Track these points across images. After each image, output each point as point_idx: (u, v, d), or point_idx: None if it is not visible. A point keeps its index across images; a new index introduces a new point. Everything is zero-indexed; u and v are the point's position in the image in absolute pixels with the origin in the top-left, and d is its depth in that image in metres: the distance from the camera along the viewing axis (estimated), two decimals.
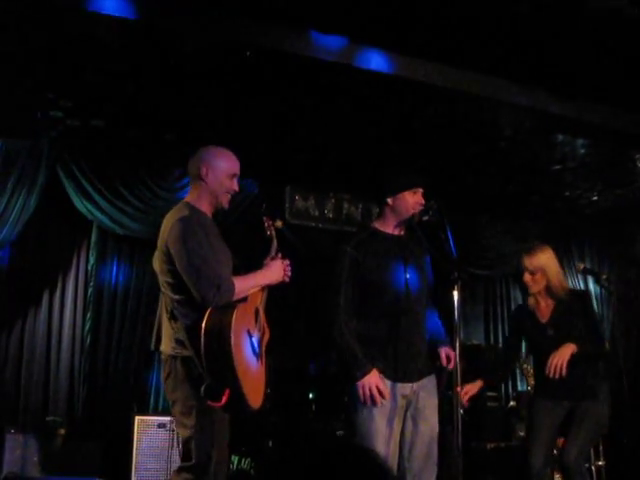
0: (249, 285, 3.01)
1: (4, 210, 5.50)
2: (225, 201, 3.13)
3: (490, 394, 6.28)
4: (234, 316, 2.78)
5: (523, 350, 5.01)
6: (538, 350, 4.03)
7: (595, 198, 7.37)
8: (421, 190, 3.48)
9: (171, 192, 6.07)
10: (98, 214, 5.89)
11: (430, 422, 3.35)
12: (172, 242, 2.86)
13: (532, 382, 5.49)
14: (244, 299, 2.94)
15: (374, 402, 3.20)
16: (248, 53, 4.41)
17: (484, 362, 6.41)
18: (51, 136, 5.68)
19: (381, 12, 4.31)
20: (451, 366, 3.36)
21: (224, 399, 2.74)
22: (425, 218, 3.46)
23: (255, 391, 2.96)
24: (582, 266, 6.36)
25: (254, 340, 2.99)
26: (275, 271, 3.15)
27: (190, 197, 3.12)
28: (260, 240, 3.38)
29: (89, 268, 6.05)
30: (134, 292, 6.13)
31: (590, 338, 3.85)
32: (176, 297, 2.89)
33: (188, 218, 2.91)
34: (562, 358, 3.67)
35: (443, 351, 3.40)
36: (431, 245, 3.62)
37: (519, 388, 7.47)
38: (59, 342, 5.89)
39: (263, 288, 3.15)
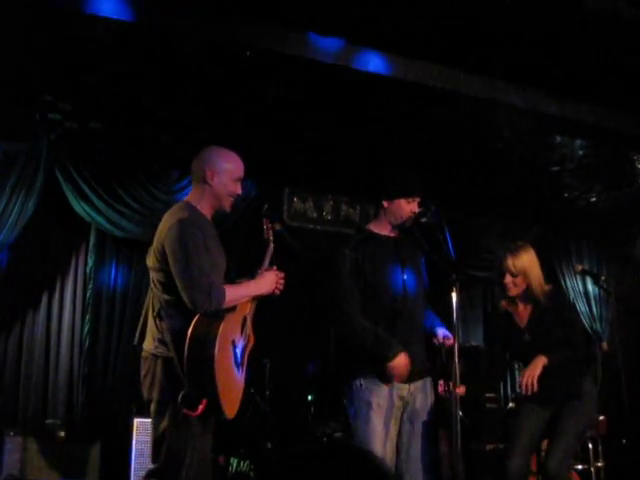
0: (240, 295, 3.00)
1: (2, 213, 5.49)
2: (228, 205, 3.11)
3: (489, 396, 6.27)
4: (220, 328, 2.77)
5: None
6: (515, 354, 3.99)
7: (593, 199, 7.37)
8: (418, 199, 3.47)
9: (169, 194, 6.06)
10: (96, 216, 5.89)
11: (427, 423, 3.36)
12: (169, 243, 2.85)
13: None
14: (233, 308, 2.93)
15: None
16: (248, 53, 4.41)
17: (483, 364, 6.41)
18: (49, 138, 5.68)
19: (379, 14, 4.31)
20: (449, 343, 3.36)
21: (200, 409, 2.72)
22: (423, 220, 3.47)
23: (232, 400, 2.94)
24: (581, 267, 6.35)
25: (237, 350, 2.97)
26: (267, 283, 3.12)
27: (192, 197, 3.10)
28: (258, 242, 3.38)
29: (88, 270, 6.04)
30: (133, 294, 6.12)
31: (567, 344, 3.77)
32: (166, 297, 2.88)
33: (187, 220, 2.89)
34: (532, 374, 3.60)
35: (440, 330, 3.41)
36: (429, 247, 3.63)
37: (518, 390, 7.47)
38: (58, 344, 5.89)
39: (254, 298, 3.13)
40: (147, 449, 5.27)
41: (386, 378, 3.25)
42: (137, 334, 3.04)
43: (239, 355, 2.99)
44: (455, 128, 5.66)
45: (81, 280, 6.06)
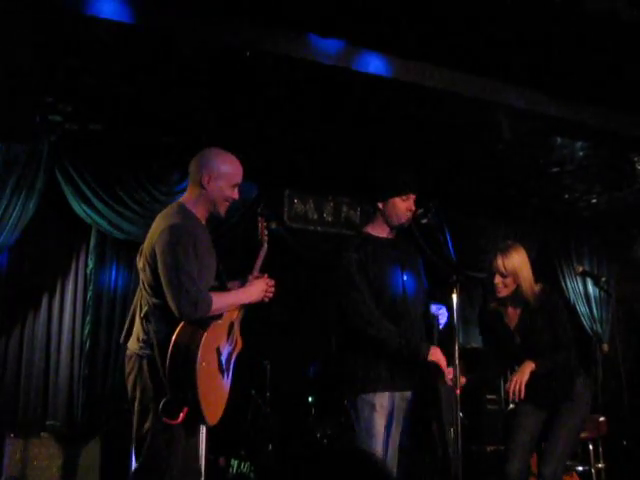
0: (227, 303, 2.98)
1: (3, 215, 5.48)
2: (223, 209, 3.07)
3: (489, 397, 6.27)
4: (204, 338, 2.77)
5: None
6: (505, 355, 3.93)
7: (594, 201, 7.37)
8: (413, 196, 3.46)
9: (170, 196, 6.05)
10: (97, 218, 5.88)
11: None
12: (159, 248, 2.83)
13: None
14: (220, 315, 2.92)
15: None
16: (247, 53, 4.41)
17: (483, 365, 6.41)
18: (50, 140, 5.68)
19: (379, 15, 4.31)
20: (442, 320, 3.36)
21: (181, 417, 2.72)
22: (424, 221, 3.47)
23: (215, 408, 2.94)
24: (581, 268, 6.36)
25: (222, 358, 2.96)
26: (256, 291, 3.11)
27: (187, 198, 3.06)
28: (257, 242, 3.37)
29: (88, 272, 6.03)
30: (133, 296, 6.07)
31: (557, 348, 3.73)
32: (154, 300, 2.87)
33: (179, 226, 2.85)
34: (519, 380, 3.57)
35: (433, 306, 3.42)
36: (430, 248, 3.63)
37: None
38: (58, 346, 5.88)
39: (242, 305, 3.12)
40: None
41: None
42: (124, 333, 3.04)
43: (224, 362, 2.98)
44: (455, 129, 5.66)
45: (81, 282, 6.05)
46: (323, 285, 6.56)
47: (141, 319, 2.91)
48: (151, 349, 2.82)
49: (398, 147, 5.94)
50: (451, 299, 3.25)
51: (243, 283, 3.15)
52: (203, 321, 2.81)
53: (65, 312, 5.96)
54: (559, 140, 5.91)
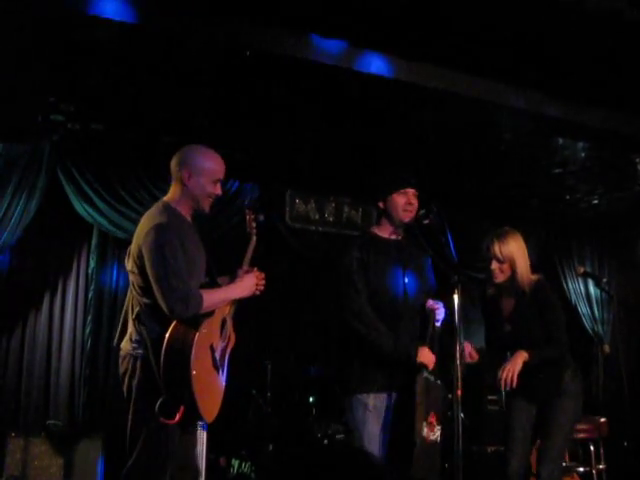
0: (218, 299, 2.97)
1: (4, 214, 5.49)
2: (206, 205, 3.06)
3: (490, 398, 6.27)
4: (197, 336, 2.77)
5: None
6: (493, 342, 3.92)
7: (596, 201, 7.37)
8: (411, 191, 3.46)
9: None
10: (98, 218, 5.89)
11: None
12: (146, 249, 2.83)
13: None
14: (211, 312, 2.92)
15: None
16: (248, 53, 4.41)
17: (485, 365, 6.41)
18: (52, 140, 5.69)
19: (381, 16, 4.31)
20: (439, 316, 3.35)
21: (178, 417, 2.73)
22: (425, 222, 3.47)
23: (212, 405, 2.95)
24: (582, 269, 6.36)
25: (216, 354, 2.96)
26: (246, 286, 3.09)
27: (170, 197, 3.06)
28: (259, 242, 3.37)
29: (90, 272, 6.04)
30: None
31: (549, 342, 3.71)
32: (145, 300, 2.87)
33: (164, 225, 2.85)
34: (512, 371, 3.55)
35: (429, 301, 3.41)
36: (431, 249, 3.63)
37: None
38: (60, 346, 5.89)
39: (234, 301, 3.11)
40: None
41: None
42: (117, 334, 3.04)
43: (218, 359, 2.98)
44: (457, 130, 5.65)
45: (83, 281, 6.06)
46: (324, 285, 6.57)
47: (133, 320, 2.91)
48: (145, 349, 2.82)
49: (399, 147, 5.95)
50: (452, 299, 3.25)
51: (233, 278, 3.13)
52: (195, 319, 2.80)
53: (66, 311, 5.97)
54: (561, 141, 5.90)
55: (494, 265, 3.76)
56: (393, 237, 3.52)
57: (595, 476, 5.40)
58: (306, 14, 4.30)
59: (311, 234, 6.84)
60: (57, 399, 5.76)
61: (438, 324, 3.37)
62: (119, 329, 3.03)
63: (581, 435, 5.30)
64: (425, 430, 3.22)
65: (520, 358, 3.58)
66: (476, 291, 7.65)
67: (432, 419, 3.29)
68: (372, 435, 3.26)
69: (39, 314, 5.88)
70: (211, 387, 2.94)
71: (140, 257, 2.86)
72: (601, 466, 5.50)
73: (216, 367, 2.97)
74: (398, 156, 6.01)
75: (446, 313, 3.47)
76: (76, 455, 5.20)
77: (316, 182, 6.72)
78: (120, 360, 2.94)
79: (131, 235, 6.05)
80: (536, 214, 7.60)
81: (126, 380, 2.89)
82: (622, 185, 6.91)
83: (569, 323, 8.18)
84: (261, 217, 3.37)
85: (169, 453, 2.83)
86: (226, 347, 3.09)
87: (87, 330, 5.91)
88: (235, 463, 5.45)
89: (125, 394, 2.92)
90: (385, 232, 3.52)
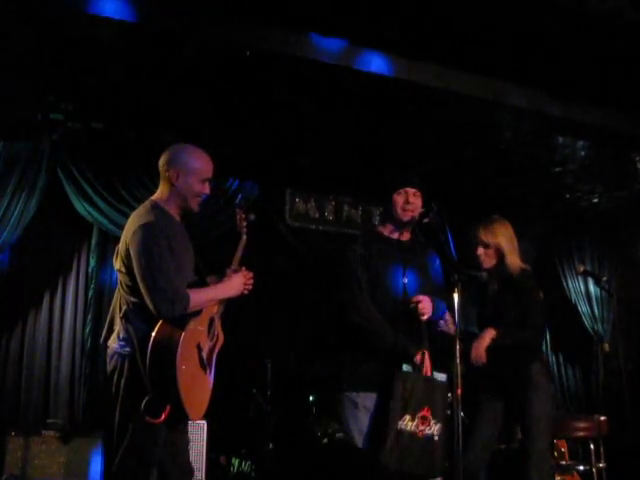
0: (206, 299, 2.96)
1: (4, 213, 5.49)
2: (195, 205, 3.06)
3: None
4: (183, 336, 2.77)
5: None
6: (478, 324, 3.92)
7: (596, 200, 7.37)
8: (411, 190, 3.47)
9: None
10: (98, 216, 5.89)
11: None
12: (133, 248, 2.83)
13: None
14: (199, 311, 2.92)
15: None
16: (248, 52, 4.41)
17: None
18: (51, 139, 5.68)
19: (381, 14, 4.31)
20: (415, 301, 3.34)
21: (163, 416, 2.73)
22: (425, 221, 3.48)
23: (198, 404, 2.94)
24: (582, 268, 6.36)
25: (203, 354, 2.96)
26: (234, 286, 3.08)
27: (158, 196, 3.06)
28: (260, 242, 3.37)
29: (90, 270, 6.04)
30: None
31: (523, 327, 3.72)
32: (132, 299, 2.87)
33: (152, 225, 2.85)
34: (479, 346, 3.61)
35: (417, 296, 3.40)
36: (431, 248, 3.63)
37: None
38: (60, 344, 5.89)
39: (222, 300, 3.11)
40: None
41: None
42: (104, 333, 3.03)
43: (205, 357, 2.98)
44: (457, 129, 5.65)
45: (83, 280, 6.06)
46: (324, 284, 6.57)
47: (121, 318, 2.90)
48: (132, 348, 2.82)
49: (399, 146, 5.94)
50: (452, 299, 3.25)
51: (221, 277, 3.13)
52: (182, 318, 2.80)
53: (66, 310, 5.98)
54: (561, 140, 5.91)
55: (480, 250, 3.84)
56: (396, 236, 3.53)
57: (595, 475, 5.39)
58: (306, 13, 4.30)
59: (311, 233, 6.85)
60: (57, 398, 5.77)
61: (424, 318, 3.36)
62: (105, 328, 3.03)
63: (581, 433, 5.29)
64: (412, 424, 3.22)
65: (488, 335, 3.64)
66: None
67: (425, 413, 3.28)
68: (362, 433, 3.27)
69: (39, 313, 5.88)
70: (198, 386, 2.94)
71: (128, 256, 2.86)
72: (601, 465, 5.49)
73: (203, 366, 2.97)
74: (398, 154, 6.01)
75: (443, 311, 3.49)
76: (76, 454, 5.20)
77: (316, 181, 6.72)
78: (108, 358, 2.94)
79: None
80: (536, 213, 7.60)
81: (114, 378, 2.89)
82: (622, 184, 6.91)
83: (569, 322, 8.22)
84: (252, 216, 3.36)
85: (154, 452, 2.83)
86: (214, 346, 3.08)
87: (87, 329, 5.91)
88: (235, 462, 5.45)
89: (113, 392, 2.92)
90: (388, 231, 3.55)
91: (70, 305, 5.99)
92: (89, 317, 5.93)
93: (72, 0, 4.05)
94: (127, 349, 2.84)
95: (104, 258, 6.10)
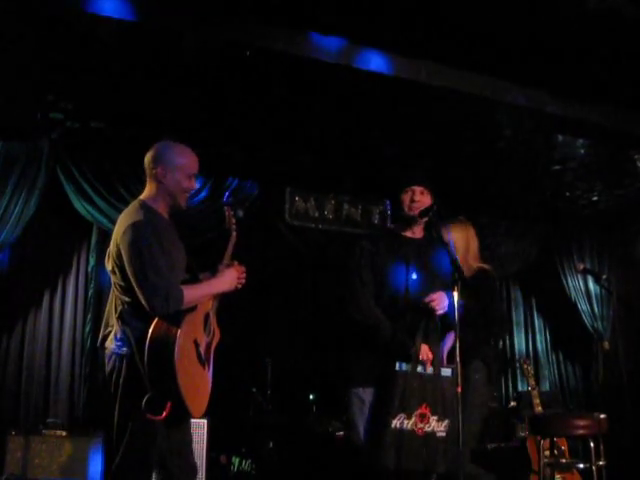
0: (199, 294, 2.97)
1: (4, 212, 5.49)
2: (183, 201, 3.07)
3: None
4: (179, 331, 2.77)
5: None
6: None
7: (595, 198, 7.36)
8: (418, 189, 3.51)
9: None
10: (98, 216, 5.89)
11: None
12: (124, 247, 2.83)
13: (532, 382, 5.48)
14: (194, 307, 2.92)
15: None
16: (247, 52, 4.41)
17: None
18: (51, 138, 5.68)
19: (380, 13, 4.31)
20: (429, 300, 3.35)
21: (165, 413, 2.73)
22: (425, 219, 3.50)
23: (199, 400, 2.95)
24: (582, 266, 6.35)
25: (201, 349, 2.97)
26: (227, 280, 3.09)
27: (146, 195, 3.06)
28: (260, 241, 3.38)
29: (89, 270, 6.05)
30: None
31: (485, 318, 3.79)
32: (126, 299, 2.87)
33: (141, 224, 2.86)
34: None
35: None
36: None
37: (519, 388, 7.48)
38: (59, 344, 5.90)
39: (215, 295, 3.11)
40: None
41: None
42: (100, 335, 3.02)
43: (203, 353, 2.99)
44: (457, 127, 5.65)
45: (83, 279, 6.06)
46: (325, 282, 6.57)
47: (117, 319, 2.91)
48: (129, 347, 2.82)
49: (399, 145, 5.94)
50: (452, 297, 3.25)
51: (214, 273, 3.13)
52: (177, 315, 2.81)
53: (66, 310, 5.98)
54: (560, 138, 5.90)
55: None
56: (408, 235, 3.56)
57: (595, 473, 5.39)
58: (305, 12, 4.30)
59: (311, 232, 6.85)
60: (57, 397, 5.77)
61: (440, 312, 3.37)
62: (102, 330, 3.03)
63: (581, 431, 5.29)
64: (410, 422, 3.22)
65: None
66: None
67: (423, 410, 3.28)
68: (366, 429, 3.29)
69: (39, 312, 5.88)
70: (197, 382, 2.95)
71: (119, 256, 2.87)
72: (601, 462, 5.49)
73: (201, 362, 2.98)
74: (398, 153, 6.01)
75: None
76: (76, 453, 5.20)
77: (316, 180, 6.72)
78: (106, 360, 2.94)
79: None
80: (536, 211, 7.61)
81: (113, 379, 2.89)
82: (621, 182, 6.90)
83: (569, 320, 8.21)
84: (240, 213, 3.36)
85: (154, 451, 2.84)
86: (211, 342, 3.09)
87: (87, 328, 5.92)
88: (236, 460, 5.46)
89: (112, 392, 2.92)
90: (399, 229, 3.59)
91: (70, 305, 5.99)
92: (89, 317, 5.93)
93: None
94: (124, 349, 2.84)
95: (103, 257, 6.06)
